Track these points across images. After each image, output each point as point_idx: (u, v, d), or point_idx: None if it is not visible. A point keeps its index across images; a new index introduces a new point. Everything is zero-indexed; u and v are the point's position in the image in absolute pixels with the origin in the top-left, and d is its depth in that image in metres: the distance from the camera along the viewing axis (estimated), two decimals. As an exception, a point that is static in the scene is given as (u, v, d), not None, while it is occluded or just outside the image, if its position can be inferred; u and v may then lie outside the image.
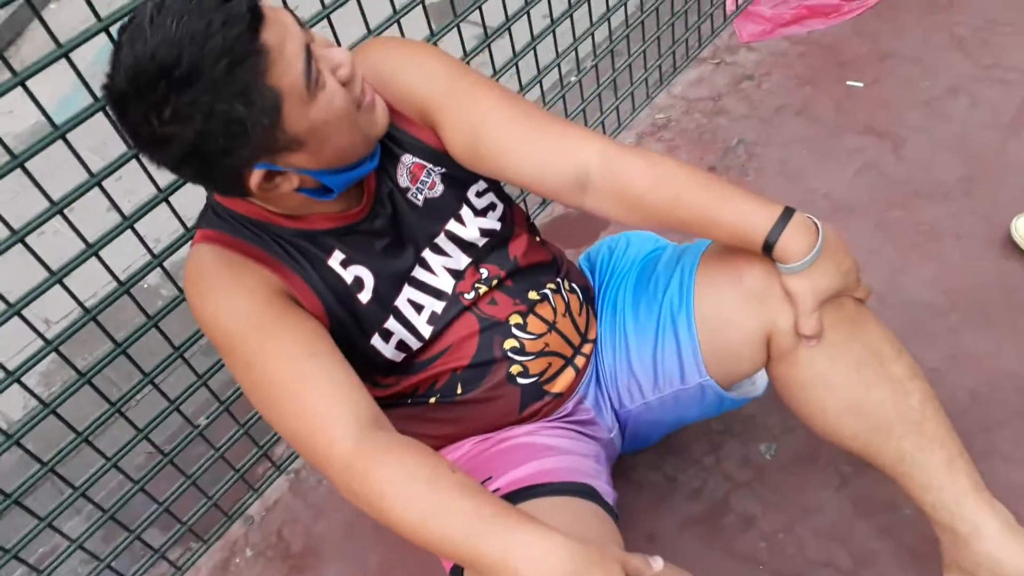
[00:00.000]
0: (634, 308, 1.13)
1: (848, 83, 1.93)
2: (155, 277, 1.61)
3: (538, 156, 0.98)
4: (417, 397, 1.08)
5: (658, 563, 0.86)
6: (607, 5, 1.72)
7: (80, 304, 1.08)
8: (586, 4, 1.65)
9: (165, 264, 1.15)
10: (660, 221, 0.98)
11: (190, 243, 1.00)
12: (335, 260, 0.98)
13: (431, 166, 1.03)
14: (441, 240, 1.03)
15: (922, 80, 1.89)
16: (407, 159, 1.02)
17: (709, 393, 1.10)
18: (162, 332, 1.16)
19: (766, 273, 0.99)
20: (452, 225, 1.04)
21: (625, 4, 1.76)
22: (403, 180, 1.02)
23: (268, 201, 0.95)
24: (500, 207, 1.08)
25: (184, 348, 1.20)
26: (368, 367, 1.02)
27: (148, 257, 1.13)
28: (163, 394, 1.19)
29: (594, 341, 1.15)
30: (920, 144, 1.76)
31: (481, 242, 1.05)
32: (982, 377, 1.38)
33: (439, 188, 1.03)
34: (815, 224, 0.95)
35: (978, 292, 1.49)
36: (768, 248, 0.94)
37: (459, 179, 1.05)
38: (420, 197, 1.02)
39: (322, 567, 1.35)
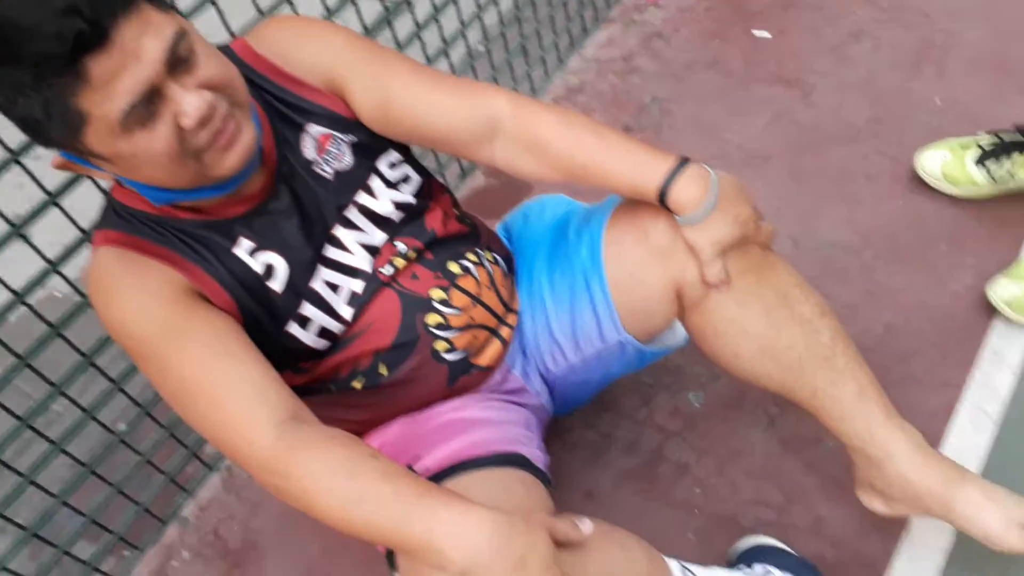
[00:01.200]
0: (549, 274, 1.14)
1: (755, 33, 1.95)
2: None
3: (450, 107, 1.00)
4: (340, 382, 1.06)
5: (586, 525, 0.87)
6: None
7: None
8: (486, -29, 1.64)
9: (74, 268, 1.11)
10: (564, 170, 1.01)
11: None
12: (242, 249, 0.95)
13: (339, 135, 1.00)
14: (352, 214, 1.01)
15: (826, 27, 1.92)
16: (313, 129, 0.99)
17: (629, 349, 1.11)
18: (66, 340, 1.12)
19: (669, 228, 1.00)
20: (362, 197, 1.02)
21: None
22: (308, 152, 0.99)
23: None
24: (415, 179, 1.07)
25: (94, 355, 1.16)
26: (288, 356, 1.00)
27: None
28: (75, 403, 1.15)
29: (517, 312, 1.15)
30: (828, 90, 1.80)
31: (396, 216, 1.03)
32: (896, 310, 1.42)
33: (348, 159, 1.01)
34: (710, 174, 0.96)
35: (889, 229, 1.54)
36: (663, 198, 0.95)
37: (369, 149, 1.03)
38: (328, 169, 1.00)
39: (263, 561, 1.34)
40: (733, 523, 1.23)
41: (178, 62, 0.78)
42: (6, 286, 1.07)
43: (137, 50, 0.75)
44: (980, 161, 1.49)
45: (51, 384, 1.10)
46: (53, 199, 1.08)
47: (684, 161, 0.96)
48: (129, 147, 0.79)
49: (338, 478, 0.83)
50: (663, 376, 1.40)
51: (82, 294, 1.12)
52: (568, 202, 1.24)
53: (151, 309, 0.88)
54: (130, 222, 0.93)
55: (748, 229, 1.00)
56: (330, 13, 1.35)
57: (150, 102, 0.77)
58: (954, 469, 1.02)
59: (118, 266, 0.91)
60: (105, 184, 1.01)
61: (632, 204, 1.05)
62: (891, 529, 1.18)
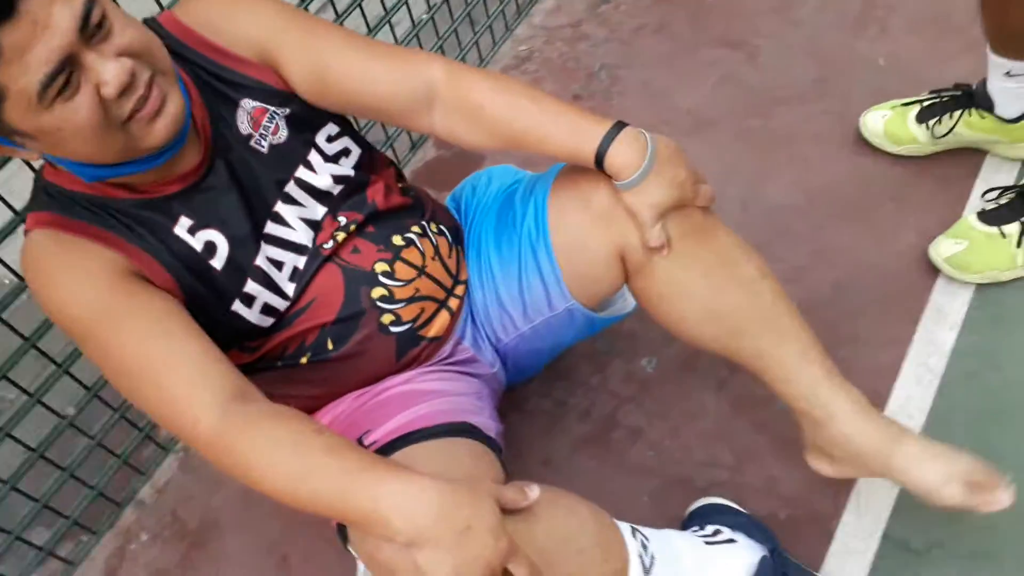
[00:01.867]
0: (496, 244, 1.14)
1: (702, -4, 1.95)
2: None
3: (386, 75, 1.00)
4: (287, 358, 1.05)
5: (534, 491, 0.88)
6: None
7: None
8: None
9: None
10: (502, 136, 1.01)
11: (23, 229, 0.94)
12: (182, 227, 0.93)
13: (274, 109, 0.99)
14: (292, 189, 1.00)
15: (771, -13, 1.93)
16: (247, 103, 0.97)
17: (578, 316, 1.12)
18: (7, 324, 1.10)
19: (610, 193, 1.01)
20: (302, 172, 1.00)
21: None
22: (244, 127, 0.97)
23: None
24: (356, 152, 1.06)
25: (38, 338, 1.14)
26: (233, 335, 0.99)
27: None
28: (20, 388, 1.13)
29: (466, 282, 1.15)
30: (774, 51, 1.81)
31: (336, 190, 1.03)
32: (844, 269, 1.44)
33: (283, 132, 1.00)
34: (646, 138, 0.96)
35: (835, 189, 1.56)
36: (600, 162, 0.96)
37: (306, 122, 1.01)
38: (264, 144, 0.98)
39: (223, 539, 1.34)
40: (687, 485, 1.25)
41: (93, 31, 0.77)
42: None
43: (47, 19, 0.73)
44: (921, 120, 1.52)
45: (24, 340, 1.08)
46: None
47: (620, 125, 0.96)
48: (52, 121, 0.78)
49: (283, 454, 0.84)
50: (617, 342, 1.42)
51: (19, 276, 1.09)
52: (515, 172, 1.24)
53: (89, 291, 0.87)
54: (64, 203, 0.91)
55: (685, 192, 1.00)
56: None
57: (69, 73, 0.76)
58: (895, 427, 1.04)
59: (54, 248, 0.89)
60: (36, 164, 0.99)
61: (573, 171, 1.05)
62: (840, 487, 1.21)
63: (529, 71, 1.87)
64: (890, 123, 1.55)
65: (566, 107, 0.99)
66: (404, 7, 1.60)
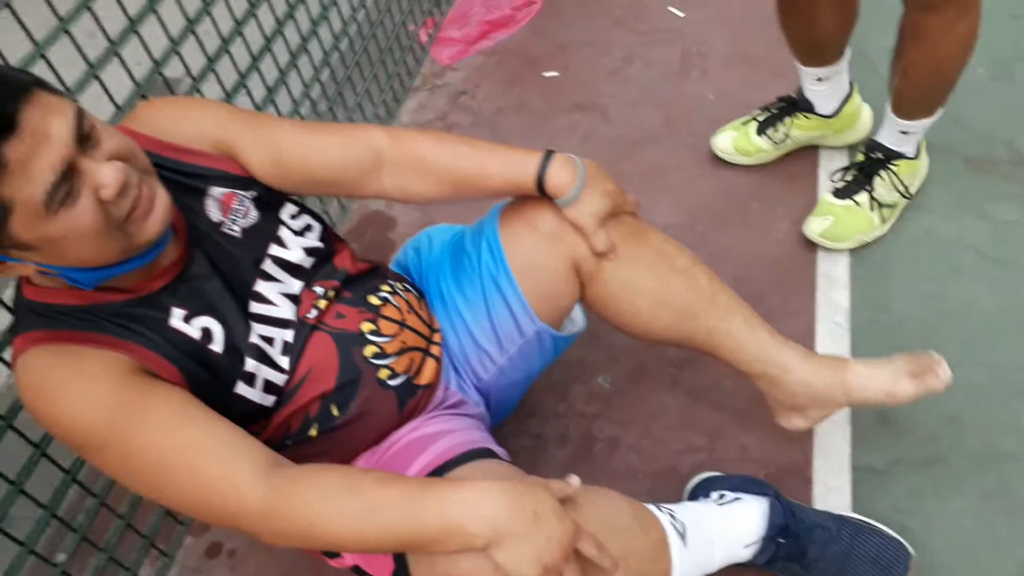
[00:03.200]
0: (459, 288, 1.22)
1: (545, 75, 2.19)
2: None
3: (336, 146, 1.10)
4: (295, 435, 1.06)
5: (575, 479, 0.96)
6: (323, 50, 1.82)
7: None
8: (305, 54, 1.74)
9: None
10: (448, 182, 1.13)
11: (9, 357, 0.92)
12: (176, 318, 0.95)
13: (241, 192, 1.05)
14: (268, 266, 1.05)
15: (601, 57, 2.20)
16: (215, 191, 1.03)
17: (545, 338, 1.22)
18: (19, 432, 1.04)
19: (554, 214, 1.14)
20: (274, 249, 1.06)
21: (338, 47, 1.87)
22: (214, 215, 1.02)
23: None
24: (316, 227, 1.13)
25: (44, 446, 1.10)
26: (240, 420, 0.99)
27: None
28: (36, 502, 1.06)
29: (439, 331, 1.22)
30: (619, 107, 2.05)
31: (308, 263, 1.08)
32: (737, 265, 1.63)
33: (253, 214, 1.05)
34: (574, 159, 1.11)
35: (708, 204, 1.78)
36: (540, 186, 1.09)
37: (271, 202, 1.08)
38: (236, 228, 1.03)
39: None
40: (674, 473, 1.35)
41: (84, 139, 0.81)
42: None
43: (46, 131, 0.77)
44: (761, 132, 1.78)
45: (10, 482, 1.02)
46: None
47: (550, 153, 1.11)
48: (56, 229, 0.80)
49: (340, 499, 0.86)
50: (570, 370, 1.52)
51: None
52: (451, 228, 1.34)
53: (101, 396, 0.86)
54: (53, 318, 0.90)
55: (617, 199, 1.16)
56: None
57: (69, 181, 0.79)
58: (837, 360, 1.21)
59: (53, 362, 0.88)
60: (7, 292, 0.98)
61: (516, 203, 1.18)
62: (803, 439, 1.35)
63: (412, 163, 2.01)
64: (737, 141, 1.81)
65: (501, 146, 1.14)
66: (298, 117, 1.69)
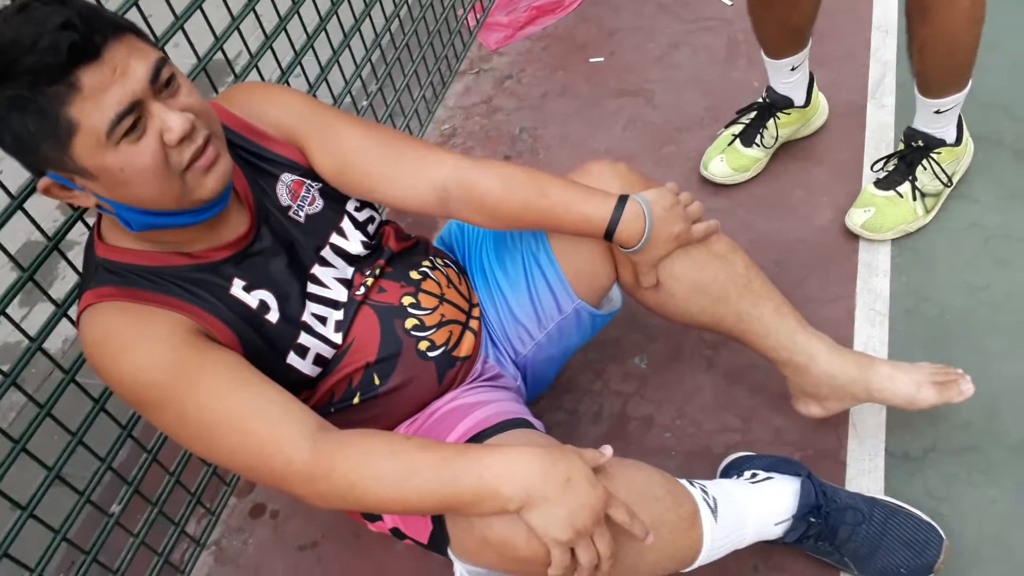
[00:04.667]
0: (500, 264, 1.26)
1: (591, 60, 2.20)
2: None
3: (400, 180, 1.10)
4: (338, 403, 1.11)
5: (608, 449, 0.98)
6: (375, 32, 1.86)
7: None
8: (357, 35, 1.78)
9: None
10: (514, 225, 1.14)
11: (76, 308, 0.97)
12: (237, 287, 1.00)
13: (309, 182, 1.10)
14: (327, 253, 1.09)
15: (647, 43, 2.21)
16: (286, 177, 1.08)
17: (583, 315, 1.24)
18: (51, 421, 1.10)
19: None
20: (335, 239, 1.11)
21: (388, 29, 1.91)
22: (284, 198, 1.07)
23: (146, 239, 0.96)
24: (376, 218, 1.17)
25: (103, 400, 1.15)
26: (287, 388, 1.04)
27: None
28: (71, 487, 1.12)
29: (479, 305, 1.25)
30: (665, 92, 2.06)
31: (363, 253, 1.13)
32: (779, 249, 1.64)
33: (319, 203, 1.10)
34: (643, 210, 1.10)
35: (751, 187, 1.78)
36: (609, 238, 1.11)
37: (337, 193, 1.12)
38: (301, 214, 1.08)
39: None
40: (707, 453, 1.37)
41: (162, 86, 0.87)
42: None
43: (125, 67, 0.83)
44: (747, 143, 1.76)
45: (47, 468, 1.08)
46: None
47: (621, 202, 1.10)
48: (116, 160, 0.85)
49: (383, 461, 0.90)
50: (606, 349, 1.54)
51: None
52: (495, 206, 1.37)
53: (163, 354, 0.91)
54: (123, 275, 0.95)
55: (680, 241, 1.15)
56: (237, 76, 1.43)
57: (136, 117, 0.84)
58: (864, 357, 1.22)
59: (121, 318, 0.93)
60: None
61: None
62: (838, 422, 1.36)
63: (457, 144, 2.04)
64: (730, 161, 1.77)
65: (570, 193, 1.11)
66: (348, 96, 1.74)
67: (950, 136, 1.57)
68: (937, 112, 1.53)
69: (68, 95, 0.80)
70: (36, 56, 0.78)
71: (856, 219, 1.61)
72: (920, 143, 1.58)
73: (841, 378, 1.19)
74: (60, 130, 0.81)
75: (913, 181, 1.58)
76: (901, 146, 1.62)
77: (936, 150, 1.57)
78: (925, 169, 1.57)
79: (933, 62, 1.44)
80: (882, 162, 1.66)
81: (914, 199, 1.59)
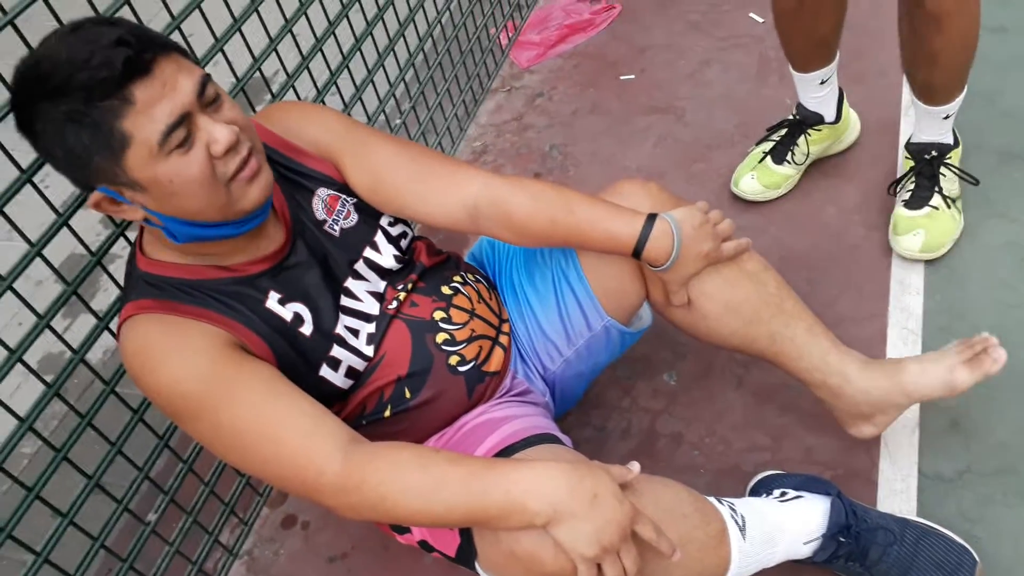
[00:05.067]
0: (530, 280, 1.27)
1: (621, 78, 2.21)
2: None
3: (431, 197, 1.13)
4: (370, 416, 1.13)
5: (635, 466, 0.99)
6: (408, 51, 1.89)
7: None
8: (391, 54, 1.81)
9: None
10: (543, 242, 1.16)
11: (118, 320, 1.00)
12: (272, 300, 1.02)
13: (344, 196, 1.13)
14: (360, 267, 1.12)
15: (678, 61, 2.22)
16: (322, 192, 1.11)
17: (613, 332, 1.25)
18: (96, 430, 1.13)
19: None
20: (369, 252, 1.13)
21: (422, 49, 1.94)
22: (319, 213, 1.10)
23: (187, 252, 0.99)
24: (409, 233, 1.20)
25: (142, 411, 1.18)
26: (320, 400, 1.06)
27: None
28: (110, 495, 1.15)
29: (508, 321, 1.26)
30: (696, 109, 2.06)
31: (396, 267, 1.15)
32: (811, 268, 1.63)
33: (354, 217, 1.13)
34: (672, 229, 1.11)
35: (783, 205, 1.77)
36: (637, 256, 1.12)
37: (371, 208, 1.15)
38: (336, 228, 1.11)
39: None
40: (736, 471, 1.36)
41: (207, 102, 0.91)
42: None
43: (174, 83, 0.87)
44: (778, 160, 1.75)
45: (87, 476, 1.11)
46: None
47: (650, 220, 1.11)
48: (167, 171, 0.88)
49: (413, 474, 0.91)
50: (635, 366, 1.54)
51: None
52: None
53: (200, 365, 0.94)
54: (162, 288, 0.99)
55: (710, 260, 1.16)
56: (273, 96, 1.47)
57: (186, 130, 0.88)
58: (891, 363, 1.21)
59: (160, 329, 0.96)
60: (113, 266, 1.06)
61: None
62: (869, 442, 1.34)
63: (488, 161, 2.06)
64: (761, 178, 1.76)
65: (598, 211, 1.12)
66: (382, 114, 1.77)
67: (951, 139, 1.59)
68: (945, 118, 1.54)
69: (122, 109, 0.84)
70: (90, 72, 0.82)
71: (910, 245, 1.57)
72: (934, 153, 1.58)
73: (875, 392, 1.19)
74: (114, 142, 0.85)
75: (940, 191, 1.57)
76: (909, 163, 1.62)
77: (948, 155, 1.58)
78: (946, 176, 1.58)
79: (948, 67, 1.45)
80: (896, 184, 1.65)
81: (948, 207, 1.58)
